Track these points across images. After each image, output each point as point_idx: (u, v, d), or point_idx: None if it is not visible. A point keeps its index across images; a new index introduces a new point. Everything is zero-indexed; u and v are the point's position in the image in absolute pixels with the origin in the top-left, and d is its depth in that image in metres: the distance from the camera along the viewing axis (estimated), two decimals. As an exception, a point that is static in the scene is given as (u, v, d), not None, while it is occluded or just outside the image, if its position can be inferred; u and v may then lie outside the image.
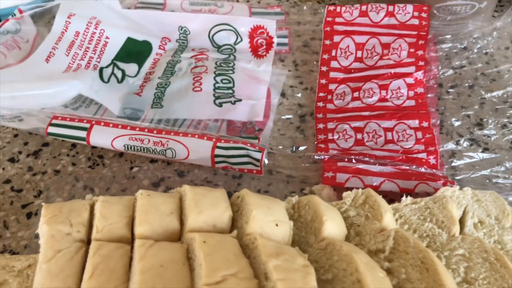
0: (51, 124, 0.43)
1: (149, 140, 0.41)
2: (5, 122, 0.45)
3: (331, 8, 0.52)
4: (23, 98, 0.45)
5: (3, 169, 0.46)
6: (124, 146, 0.41)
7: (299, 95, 0.51)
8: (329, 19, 0.52)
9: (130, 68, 0.53)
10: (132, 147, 0.41)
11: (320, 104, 0.49)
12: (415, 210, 0.34)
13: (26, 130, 0.47)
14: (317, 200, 0.31)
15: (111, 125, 0.42)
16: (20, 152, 0.47)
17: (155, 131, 0.42)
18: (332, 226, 0.29)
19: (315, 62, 0.54)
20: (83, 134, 0.42)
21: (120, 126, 0.42)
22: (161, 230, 0.27)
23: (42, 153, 0.47)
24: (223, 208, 0.28)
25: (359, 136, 0.46)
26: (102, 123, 0.42)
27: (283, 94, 0.52)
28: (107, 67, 0.53)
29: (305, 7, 0.58)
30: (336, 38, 0.52)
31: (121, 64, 0.53)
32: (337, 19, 0.52)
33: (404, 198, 0.35)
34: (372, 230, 0.30)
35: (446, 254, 0.30)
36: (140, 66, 0.54)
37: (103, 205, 0.28)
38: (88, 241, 0.28)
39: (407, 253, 0.28)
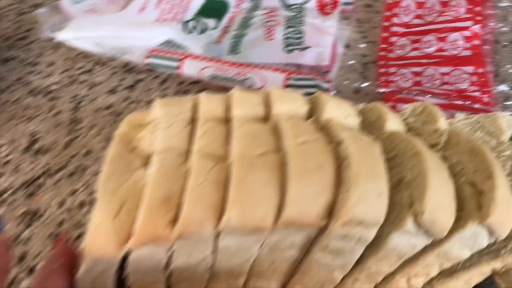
0: (149, 56, 0.50)
1: (231, 72, 0.48)
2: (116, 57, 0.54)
3: (395, -31, 0.57)
4: (123, 38, 0.53)
5: (105, 98, 0.54)
6: (210, 75, 0.48)
7: (363, 46, 0.57)
8: (393, -21, 0.57)
9: (210, 22, 0.61)
10: (217, 76, 0.48)
11: (382, 53, 0.54)
12: (467, 124, 0.38)
13: (126, 62, 0.55)
14: (381, 105, 0.36)
15: (199, 58, 0.49)
16: (118, 86, 0.55)
17: (236, 65, 0.48)
18: (394, 123, 0.34)
19: (377, 20, 0.59)
20: (175, 64, 0.49)
21: (207, 60, 0.49)
22: (251, 116, 0.33)
23: (136, 87, 0.55)
24: (302, 102, 0.34)
25: (417, 78, 0.50)
26: (192, 57, 0.49)
27: (347, 46, 0.57)
28: (190, 20, 0.60)
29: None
30: (399, -3, 0.57)
31: (202, 19, 0.61)
32: (401, -21, 0.57)
33: (458, 114, 0.39)
34: (428, 131, 0.35)
35: (495, 155, 0.35)
36: (218, 21, 0.61)
37: (205, 96, 0.35)
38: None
39: (458, 144, 0.32)
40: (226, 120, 0.34)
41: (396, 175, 0.30)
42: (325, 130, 0.31)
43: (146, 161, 0.32)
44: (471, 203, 0.29)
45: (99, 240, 0.27)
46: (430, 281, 0.32)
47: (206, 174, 0.28)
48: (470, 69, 0.50)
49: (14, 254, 0.30)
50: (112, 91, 0.55)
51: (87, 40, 0.52)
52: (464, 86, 0.48)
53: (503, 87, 0.49)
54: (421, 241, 0.28)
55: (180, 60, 0.49)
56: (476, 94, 0.47)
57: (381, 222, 0.27)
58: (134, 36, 0.53)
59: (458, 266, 0.31)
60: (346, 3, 0.61)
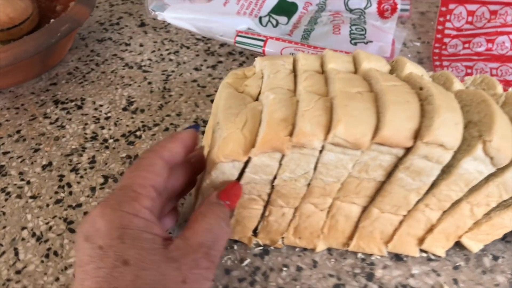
0: (238, 35, 0.58)
1: (308, 51, 0.55)
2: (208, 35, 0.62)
3: (449, -19, 0.65)
4: (213, 23, 0.62)
5: (190, 73, 0.62)
6: (289, 53, 0.56)
7: (418, 44, 0.64)
8: (447, -10, 0.65)
9: (282, 19, 0.69)
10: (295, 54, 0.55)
11: (436, 50, 0.62)
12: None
13: (221, 41, 0.64)
14: (449, 72, 0.43)
15: (280, 40, 0.57)
16: (201, 65, 0.63)
17: (312, 47, 0.56)
18: (460, 85, 0.41)
19: (429, 25, 0.67)
20: (260, 43, 0.57)
21: (287, 41, 0.57)
22: (343, 69, 0.41)
23: (217, 67, 0.63)
24: (385, 62, 0.41)
25: (469, 71, 0.57)
26: (274, 38, 0.57)
27: (404, 44, 0.65)
28: (264, 16, 0.69)
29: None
30: (451, 6, 0.65)
31: (274, 16, 0.69)
32: (454, -10, 0.65)
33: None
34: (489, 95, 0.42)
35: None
36: (289, 19, 0.69)
37: (302, 54, 0.42)
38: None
39: (509, 100, 0.39)
40: (322, 72, 0.41)
41: (465, 119, 0.37)
42: (407, 81, 0.38)
43: (255, 99, 0.39)
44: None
45: (229, 146, 0.34)
46: (489, 212, 0.38)
47: (314, 103, 0.35)
48: (516, 65, 0.57)
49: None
50: (197, 69, 0.63)
51: (184, 21, 0.60)
52: (488, 75, 0.55)
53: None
54: (487, 168, 0.35)
55: (264, 41, 0.57)
56: (523, 85, 0.54)
57: (456, 146, 0.33)
58: (222, 22, 0.62)
59: (513, 200, 0.37)
60: (403, 10, 0.69)
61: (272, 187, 0.37)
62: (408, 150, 0.34)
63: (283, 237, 0.41)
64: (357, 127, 0.33)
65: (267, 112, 0.35)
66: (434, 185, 0.36)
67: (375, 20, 0.68)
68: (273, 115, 0.35)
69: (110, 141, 0.53)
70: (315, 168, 0.36)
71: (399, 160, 0.35)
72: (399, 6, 0.68)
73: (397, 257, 0.40)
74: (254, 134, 0.35)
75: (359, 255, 0.40)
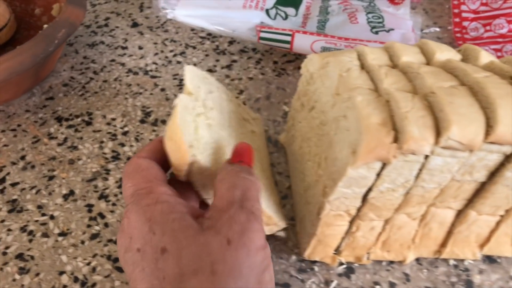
0: (262, 31, 0.53)
1: (340, 44, 0.52)
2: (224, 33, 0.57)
3: (459, -38, 0.63)
4: (225, 18, 0.56)
5: (205, 76, 0.56)
6: (321, 47, 0.52)
7: (437, 29, 0.62)
8: (459, -29, 0.63)
9: (289, 10, 0.65)
10: (328, 48, 0.52)
11: (458, 35, 0.60)
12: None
13: (239, 39, 0.59)
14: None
15: (308, 33, 0.53)
16: (215, 66, 0.58)
17: (343, 39, 0.52)
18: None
19: (441, 9, 0.65)
20: (288, 38, 0.52)
21: (315, 34, 0.53)
22: (416, 61, 0.37)
23: (233, 67, 0.58)
24: (455, 52, 0.38)
25: (498, 54, 0.56)
26: (301, 32, 0.53)
27: (421, 30, 0.62)
28: (271, 9, 0.64)
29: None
30: (464, -12, 0.63)
31: (281, 7, 0.64)
32: (466, -29, 0.63)
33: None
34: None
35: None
36: (296, 10, 0.65)
37: (365, 47, 0.38)
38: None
39: None
40: (394, 66, 0.37)
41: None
42: (490, 70, 0.35)
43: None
44: None
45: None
46: None
47: (411, 103, 0.31)
48: (544, 45, 0.56)
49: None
50: (211, 71, 0.57)
51: (197, 18, 0.54)
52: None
53: None
54: None
55: (291, 36, 0.53)
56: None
57: None
58: (234, 16, 0.57)
59: None
60: (413, -6, 0.66)
61: (364, 200, 0.34)
62: (518, 147, 0.31)
63: (369, 253, 0.37)
64: (469, 127, 0.30)
65: (358, 117, 0.31)
66: (537, 181, 0.33)
67: (387, 6, 0.65)
68: (369, 120, 0.31)
69: (136, 159, 0.46)
70: (417, 176, 0.32)
71: (506, 158, 0.32)
72: (409, -10, 0.66)
73: (490, 260, 0.38)
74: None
75: (451, 261, 0.38)
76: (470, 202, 0.35)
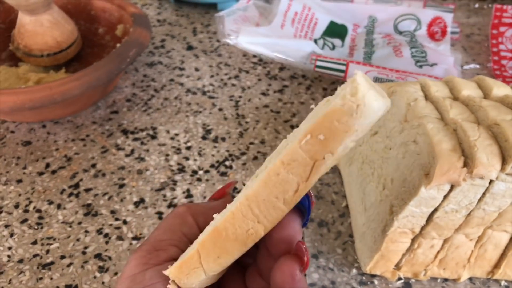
0: (318, 60, 0.57)
1: (392, 75, 0.55)
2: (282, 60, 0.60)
3: (499, 6, 0.67)
4: (281, 46, 0.60)
5: (259, 99, 0.60)
6: (373, 77, 0.55)
7: (477, 66, 0.66)
8: (497, 13, 0.67)
9: (336, 41, 0.69)
10: (380, 79, 0.55)
11: (498, 72, 0.63)
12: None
13: (290, 66, 0.62)
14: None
15: (361, 64, 0.57)
16: (267, 90, 0.62)
17: (394, 71, 0.56)
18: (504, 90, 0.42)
19: (479, 47, 0.69)
20: (342, 67, 0.56)
21: (368, 65, 0.56)
22: (475, 95, 0.41)
23: (285, 91, 0.61)
24: (510, 88, 0.42)
25: (537, 92, 0.59)
26: (355, 62, 0.57)
27: (462, 66, 0.66)
28: (319, 39, 0.68)
29: (476, 5, 0.74)
30: (502, 29, 0.67)
31: (328, 38, 0.69)
32: (504, 14, 0.67)
33: None
34: None
35: None
36: (343, 41, 0.69)
37: (427, 80, 0.42)
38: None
39: None
40: (455, 98, 0.41)
41: None
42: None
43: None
44: None
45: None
46: None
47: (478, 132, 0.34)
48: None
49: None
50: (264, 94, 0.61)
51: (258, 45, 0.58)
52: None
53: None
54: None
55: (346, 65, 0.57)
56: None
57: None
58: (288, 45, 0.61)
59: None
60: (453, 32, 0.70)
61: (428, 219, 0.36)
62: None
63: (426, 269, 0.40)
64: (533, 156, 0.33)
65: (431, 142, 0.34)
66: None
67: (428, 42, 0.69)
68: (441, 146, 0.34)
69: (200, 172, 0.50)
70: (480, 199, 0.35)
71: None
72: (449, 29, 0.70)
73: (538, 282, 0.40)
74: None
75: (502, 282, 0.40)
76: (524, 225, 0.38)
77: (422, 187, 0.34)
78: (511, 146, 0.33)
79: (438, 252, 0.39)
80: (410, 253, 0.39)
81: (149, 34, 0.59)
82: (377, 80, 0.56)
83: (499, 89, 0.41)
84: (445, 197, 0.35)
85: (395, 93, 0.41)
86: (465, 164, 0.33)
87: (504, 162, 0.33)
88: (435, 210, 0.35)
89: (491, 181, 0.34)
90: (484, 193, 0.35)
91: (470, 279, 0.40)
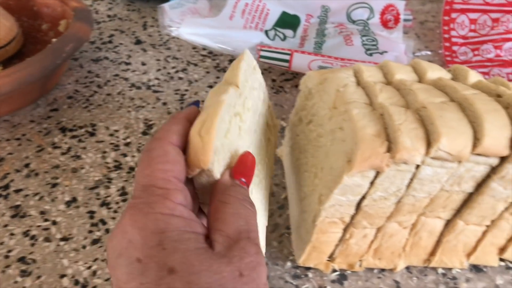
0: (262, 50, 0.56)
1: (337, 63, 0.54)
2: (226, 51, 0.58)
3: (450, -9, 0.66)
4: (227, 37, 0.59)
5: (206, 92, 0.58)
6: (318, 66, 0.54)
7: (429, 53, 0.65)
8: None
9: (287, 32, 0.67)
10: (324, 67, 0.54)
11: (449, 58, 0.63)
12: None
13: (226, 57, 0.60)
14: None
15: (306, 53, 0.55)
16: (215, 82, 0.60)
17: (339, 59, 0.55)
18: (477, 77, 0.41)
19: (432, 34, 0.68)
20: (287, 57, 0.55)
21: (313, 54, 0.55)
22: (409, 79, 0.39)
23: (233, 83, 0.60)
24: (446, 71, 0.41)
25: (486, 77, 0.58)
26: (300, 51, 0.55)
27: (413, 53, 0.65)
28: (270, 30, 0.67)
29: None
30: (454, 15, 0.66)
31: (279, 29, 0.67)
32: (456, 0, 0.66)
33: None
34: None
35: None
36: (294, 32, 0.68)
37: (361, 65, 0.40)
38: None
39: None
40: (388, 83, 0.39)
41: None
42: (478, 88, 0.38)
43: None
44: None
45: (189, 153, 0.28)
46: None
47: (404, 116, 0.33)
48: (529, 70, 0.59)
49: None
50: (211, 87, 0.59)
51: (200, 36, 0.57)
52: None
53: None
54: None
55: (290, 55, 0.55)
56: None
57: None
58: (235, 36, 0.59)
59: None
60: (406, 20, 0.69)
61: (357, 208, 0.35)
62: (503, 159, 0.33)
63: (361, 260, 0.39)
64: (458, 139, 0.32)
65: (354, 128, 0.33)
66: (521, 191, 0.35)
67: (380, 30, 0.68)
68: (364, 131, 0.32)
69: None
70: (408, 185, 0.34)
71: (492, 170, 0.34)
72: (402, 16, 0.69)
73: (477, 269, 0.39)
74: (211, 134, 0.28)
75: (439, 270, 0.39)
76: (458, 212, 0.37)
77: (345, 175, 0.32)
78: (437, 129, 0.32)
79: (372, 241, 0.38)
80: (343, 243, 0.38)
81: (90, 29, 0.57)
82: (321, 68, 0.54)
83: (434, 72, 0.40)
84: (372, 184, 0.33)
85: (326, 80, 0.39)
86: (389, 149, 0.32)
87: (429, 145, 0.32)
88: (363, 198, 0.34)
89: (418, 167, 0.33)
90: (412, 179, 0.33)
91: (407, 268, 0.39)
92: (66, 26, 0.61)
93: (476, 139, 0.32)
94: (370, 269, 0.39)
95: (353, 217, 0.36)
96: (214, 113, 0.27)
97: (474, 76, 0.40)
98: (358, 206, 0.35)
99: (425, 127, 0.33)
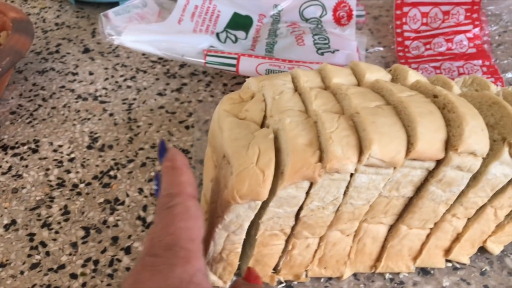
0: (208, 55, 0.54)
1: (284, 66, 0.53)
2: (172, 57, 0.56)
3: (401, -15, 0.66)
4: (174, 43, 0.57)
5: (155, 99, 0.57)
6: (265, 70, 0.53)
7: (381, 49, 0.64)
8: (400, -7, 0.66)
9: (239, 34, 0.66)
10: (272, 71, 0.53)
11: (401, 54, 0.62)
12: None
13: (187, 62, 0.58)
14: (446, 77, 0.42)
15: (253, 56, 0.54)
16: (165, 89, 0.59)
17: (287, 61, 0.54)
18: (458, 90, 0.41)
19: (386, 29, 0.68)
20: (233, 62, 0.53)
21: (260, 57, 0.54)
22: (347, 83, 0.38)
23: (183, 90, 0.58)
24: (385, 72, 0.40)
25: (437, 71, 0.58)
26: (247, 55, 0.54)
27: (366, 49, 0.64)
28: (221, 32, 0.65)
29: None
30: (405, 9, 0.66)
31: (231, 31, 0.66)
32: (406, -7, 0.66)
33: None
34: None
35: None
36: (246, 33, 0.66)
37: (299, 70, 0.39)
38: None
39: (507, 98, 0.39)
40: (326, 87, 0.38)
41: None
42: (416, 89, 0.37)
43: (261, 124, 0.36)
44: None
45: (245, 185, 0.30)
46: (510, 213, 0.38)
47: (336, 123, 0.32)
48: (479, 62, 0.58)
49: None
50: (161, 94, 0.58)
51: (144, 44, 0.55)
52: (478, 75, 0.56)
53: (509, 75, 0.57)
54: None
55: (237, 59, 0.54)
56: (491, 80, 0.55)
57: (486, 153, 0.32)
58: (183, 41, 0.58)
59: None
60: (359, 16, 0.69)
61: (297, 219, 0.34)
62: (439, 162, 0.33)
63: (307, 270, 0.38)
64: (391, 145, 0.31)
65: (287, 138, 0.32)
66: (461, 194, 0.35)
67: (333, 28, 0.67)
68: (295, 141, 0.32)
69: (81, 186, 0.46)
70: (344, 193, 0.33)
71: (430, 173, 0.33)
72: (354, 13, 0.68)
73: (424, 271, 0.39)
74: (271, 166, 0.31)
75: (387, 275, 0.39)
76: (400, 217, 0.36)
77: (278, 188, 0.31)
78: (368, 135, 0.31)
79: (316, 251, 0.37)
80: (286, 255, 0.37)
81: (29, 41, 0.55)
82: (269, 72, 0.53)
83: (372, 74, 0.39)
84: (307, 194, 0.32)
85: (264, 87, 0.38)
86: (321, 159, 0.31)
87: (361, 153, 0.31)
88: (301, 208, 0.33)
89: (352, 175, 0.32)
90: (347, 187, 0.33)
91: (355, 275, 0.39)
92: (6, 38, 0.59)
93: (410, 144, 0.31)
94: (317, 279, 0.38)
95: (293, 228, 0.35)
96: (270, 148, 0.31)
97: (413, 76, 0.39)
98: (297, 217, 0.34)
99: (358, 134, 0.32)
